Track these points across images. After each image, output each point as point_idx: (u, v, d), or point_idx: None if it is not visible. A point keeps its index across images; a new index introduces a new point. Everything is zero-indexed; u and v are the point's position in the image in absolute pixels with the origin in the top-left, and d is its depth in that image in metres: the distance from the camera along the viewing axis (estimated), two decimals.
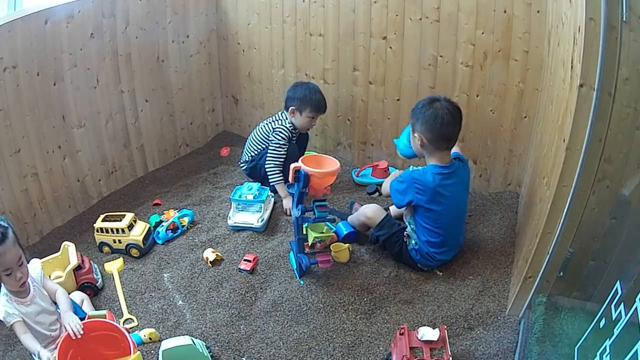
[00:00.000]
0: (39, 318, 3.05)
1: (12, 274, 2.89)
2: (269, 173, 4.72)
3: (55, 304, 3.23)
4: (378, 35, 4.67)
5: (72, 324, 2.94)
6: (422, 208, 3.76)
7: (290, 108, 4.74)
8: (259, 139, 4.88)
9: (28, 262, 3.18)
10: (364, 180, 5.00)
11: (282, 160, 4.73)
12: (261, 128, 4.92)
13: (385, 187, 4.13)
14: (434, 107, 3.69)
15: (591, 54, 2.53)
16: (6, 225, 2.89)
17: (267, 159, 4.72)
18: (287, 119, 4.80)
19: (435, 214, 3.73)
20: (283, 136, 4.73)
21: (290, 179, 3.64)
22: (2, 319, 2.94)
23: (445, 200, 3.72)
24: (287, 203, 4.62)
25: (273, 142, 4.72)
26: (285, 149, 4.75)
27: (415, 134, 3.80)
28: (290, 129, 4.78)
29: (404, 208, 3.94)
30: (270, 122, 4.87)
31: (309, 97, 4.70)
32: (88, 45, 4.42)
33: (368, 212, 4.06)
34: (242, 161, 5.08)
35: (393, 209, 4.32)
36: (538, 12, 3.97)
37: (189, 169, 5.46)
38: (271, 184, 4.73)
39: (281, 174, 4.71)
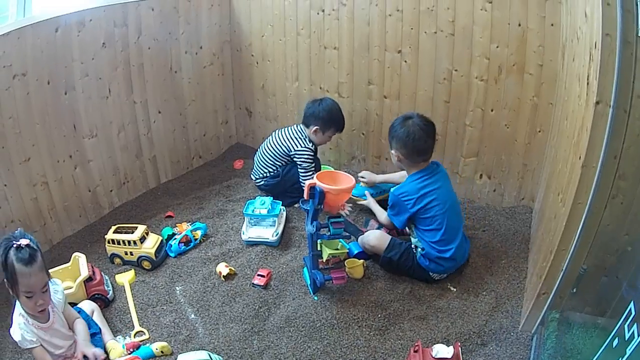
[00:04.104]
0: (55, 341, 3.05)
1: (33, 297, 2.87)
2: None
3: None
4: (393, 48, 4.67)
5: (93, 354, 3.06)
6: (417, 213, 3.88)
7: (314, 128, 4.74)
8: (278, 156, 4.87)
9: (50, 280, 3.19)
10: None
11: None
12: (278, 144, 4.88)
13: (384, 220, 4.24)
14: (406, 124, 3.95)
15: (607, 71, 2.52)
16: (36, 248, 2.88)
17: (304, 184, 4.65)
18: (306, 136, 4.80)
19: (430, 211, 3.85)
20: (310, 158, 4.79)
21: (305, 196, 3.65)
22: (17, 342, 2.94)
23: (434, 195, 3.86)
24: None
25: (302, 166, 4.77)
26: (314, 166, 4.81)
27: (392, 151, 4.06)
28: (312, 148, 4.80)
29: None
30: (289, 140, 4.84)
31: (334, 118, 4.75)
32: (100, 54, 4.42)
33: (371, 240, 4.06)
34: (258, 177, 5.03)
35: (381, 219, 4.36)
36: (552, 25, 3.97)
37: (201, 181, 5.45)
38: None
39: None
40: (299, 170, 4.78)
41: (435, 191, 3.87)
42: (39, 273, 2.85)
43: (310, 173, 4.74)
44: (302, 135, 4.81)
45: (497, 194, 4.78)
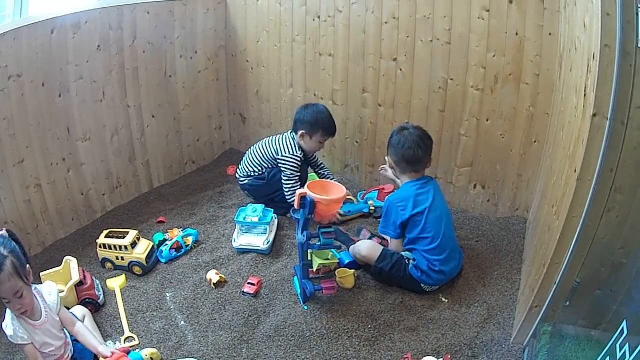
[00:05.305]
0: (46, 340, 3.02)
1: (10, 303, 2.84)
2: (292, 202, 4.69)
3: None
4: (388, 56, 4.66)
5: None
6: (410, 221, 3.91)
7: (300, 132, 4.67)
8: (266, 158, 4.81)
9: (42, 283, 3.17)
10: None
11: (297, 186, 4.67)
12: (268, 147, 4.83)
13: (393, 247, 4.17)
14: (401, 134, 4.05)
15: (605, 83, 2.49)
16: (6, 254, 2.81)
17: (285, 190, 4.72)
18: (295, 145, 4.73)
19: (423, 217, 3.87)
20: (295, 168, 4.71)
21: (296, 205, 3.62)
22: (9, 337, 2.92)
23: (428, 203, 3.91)
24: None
25: (286, 173, 4.70)
26: (298, 175, 4.74)
27: (386, 158, 4.23)
28: (300, 156, 4.72)
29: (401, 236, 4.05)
30: (278, 145, 4.77)
31: (320, 122, 4.67)
32: (94, 57, 4.41)
33: (362, 250, 4.05)
34: (242, 175, 4.97)
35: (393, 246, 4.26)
36: (550, 34, 3.97)
37: (194, 186, 5.45)
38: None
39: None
40: (282, 177, 4.73)
41: (429, 199, 3.90)
42: (8, 282, 2.77)
43: (293, 182, 4.71)
44: (292, 142, 4.75)
45: (491, 204, 4.77)
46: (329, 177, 5.07)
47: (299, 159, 4.72)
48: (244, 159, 5.00)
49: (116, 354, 3.05)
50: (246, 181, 4.93)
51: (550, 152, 3.91)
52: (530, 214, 4.56)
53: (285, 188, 4.73)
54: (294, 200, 4.39)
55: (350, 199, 4.99)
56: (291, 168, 4.70)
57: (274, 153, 4.77)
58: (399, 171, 4.10)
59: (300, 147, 4.74)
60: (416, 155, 3.95)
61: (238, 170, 5.06)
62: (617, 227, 2.74)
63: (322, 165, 5.16)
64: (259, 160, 4.85)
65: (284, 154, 4.70)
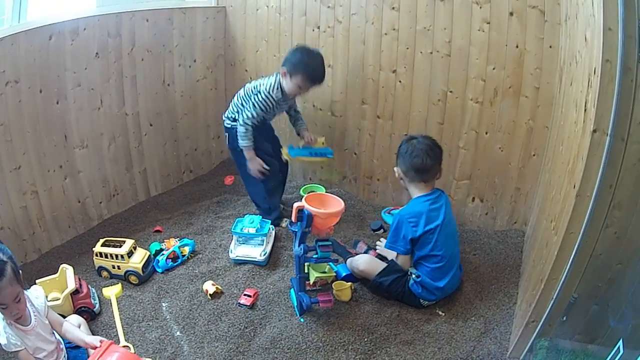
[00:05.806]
0: (38, 344, 3.02)
1: (7, 308, 2.84)
2: (240, 135, 4.52)
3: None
4: (388, 68, 4.66)
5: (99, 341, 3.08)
6: (421, 238, 3.85)
7: (283, 70, 4.45)
8: (247, 94, 4.63)
9: (29, 287, 3.19)
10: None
11: (255, 124, 4.51)
12: (252, 83, 4.65)
13: (385, 251, 4.18)
14: (409, 143, 4.01)
15: (606, 98, 2.48)
16: (6, 260, 2.82)
17: (240, 121, 4.51)
18: (277, 84, 4.50)
19: (433, 234, 3.83)
20: (261, 105, 4.51)
21: (293, 218, 3.60)
22: (3, 345, 2.91)
23: (437, 220, 3.86)
24: (252, 165, 4.55)
25: (249, 107, 4.52)
26: (262, 116, 4.55)
27: (395, 168, 4.14)
28: (274, 98, 4.52)
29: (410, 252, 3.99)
30: (260, 81, 4.59)
31: (303, 64, 4.40)
32: (92, 64, 4.41)
33: (360, 265, 4.03)
34: (227, 117, 4.80)
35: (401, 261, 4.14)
36: (550, 47, 3.97)
37: (191, 196, 5.44)
38: (241, 146, 4.54)
39: (252, 140, 4.54)
40: (241, 114, 4.53)
41: (440, 216, 3.87)
42: (9, 287, 2.79)
43: (248, 126, 4.48)
44: (275, 81, 4.53)
45: (489, 217, 4.76)
46: (302, 126, 4.87)
47: (271, 100, 4.53)
48: (232, 100, 4.79)
49: (105, 341, 3.04)
50: (230, 125, 4.73)
51: (549, 165, 3.90)
52: (528, 227, 4.54)
53: (240, 118, 4.54)
54: (246, 141, 4.42)
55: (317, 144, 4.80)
56: (258, 103, 4.51)
57: (254, 87, 4.58)
58: (408, 181, 4.05)
59: (280, 89, 4.51)
60: (425, 164, 3.91)
61: (226, 112, 4.82)
62: (615, 242, 2.73)
63: (298, 111, 4.96)
64: (241, 100, 4.66)
65: (259, 89, 4.52)
